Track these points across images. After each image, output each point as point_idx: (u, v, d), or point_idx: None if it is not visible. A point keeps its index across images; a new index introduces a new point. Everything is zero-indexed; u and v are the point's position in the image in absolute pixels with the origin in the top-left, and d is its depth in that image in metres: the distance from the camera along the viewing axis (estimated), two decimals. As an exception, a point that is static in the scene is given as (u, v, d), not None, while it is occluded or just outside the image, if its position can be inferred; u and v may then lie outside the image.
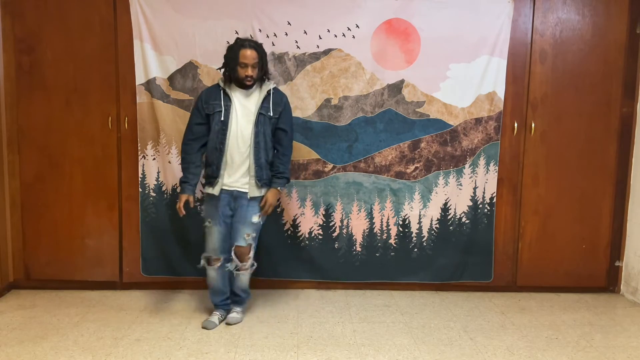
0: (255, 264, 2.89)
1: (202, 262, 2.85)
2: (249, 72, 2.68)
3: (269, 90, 2.79)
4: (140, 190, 3.30)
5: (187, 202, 2.76)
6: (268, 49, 3.16)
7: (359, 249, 3.40)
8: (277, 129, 2.83)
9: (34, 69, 3.20)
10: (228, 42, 3.15)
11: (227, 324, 2.89)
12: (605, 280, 3.50)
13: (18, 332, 2.77)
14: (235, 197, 2.79)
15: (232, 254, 2.80)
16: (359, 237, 3.39)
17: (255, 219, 2.79)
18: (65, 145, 3.26)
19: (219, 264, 2.82)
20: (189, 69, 3.20)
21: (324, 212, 3.36)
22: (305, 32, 3.18)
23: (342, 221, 3.37)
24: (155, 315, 3.01)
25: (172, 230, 3.33)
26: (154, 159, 3.29)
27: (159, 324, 2.89)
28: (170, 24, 3.15)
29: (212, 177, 2.76)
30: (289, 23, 3.18)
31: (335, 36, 3.20)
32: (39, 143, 3.26)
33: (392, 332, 2.84)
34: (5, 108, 3.22)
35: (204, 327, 2.84)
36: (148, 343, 2.66)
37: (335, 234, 3.38)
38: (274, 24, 3.18)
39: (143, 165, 3.29)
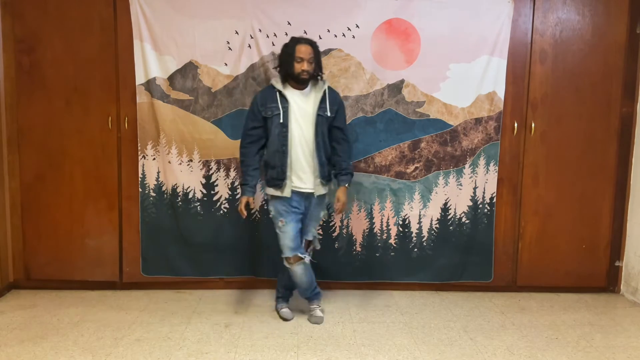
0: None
1: (285, 263, 2.84)
2: (305, 66, 2.68)
3: (325, 90, 2.79)
4: (140, 190, 3.30)
5: (247, 204, 2.80)
6: (268, 49, 3.18)
7: (359, 249, 3.40)
8: (332, 127, 2.83)
9: (34, 69, 3.20)
10: (228, 42, 3.18)
11: (285, 319, 2.99)
12: (605, 280, 3.50)
13: (18, 332, 2.77)
14: (307, 197, 2.83)
15: (303, 248, 2.89)
16: (359, 237, 3.39)
17: (323, 213, 2.93)
18: (65, 145, 3.26)
19: (300, 261, 2.81)
20: (189, 69, 3.20)
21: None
22: (305, 32, 3.18)
23: (342, 221, 3.37)
24: (155, 315, 3.01)
25: (172, 230, 3.33)
26: (154, 159, 3.29)
27: (159, 324, 2.89)
28: (170, 24, 3.15)
29: (279, 180, 2.76)
30: (289, 23, 3.18)
31: (335, 36, 3.20)
32: (39, 143, 3.26)
33: (392, 332, 2.84)
34: (5, 108, 3.22)
35: (314, 323, 2.93)
36: (148, 343, 2.66)
37: (335, 234, 3.38)
38: (274, 24, 3.18)
39: (143, 165, 3.29)
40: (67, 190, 3.30)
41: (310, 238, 2.92)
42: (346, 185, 2.85)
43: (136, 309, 3.10)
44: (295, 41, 2.73)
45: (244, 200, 2.78)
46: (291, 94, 2.76)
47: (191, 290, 3.40)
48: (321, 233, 3.37)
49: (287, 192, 2.76)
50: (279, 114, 2.72)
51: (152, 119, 3.24)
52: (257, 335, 2.77)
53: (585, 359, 2.58)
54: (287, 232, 2.79)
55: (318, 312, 2.98)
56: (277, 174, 2.76)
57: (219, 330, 2.83)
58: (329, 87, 2.84)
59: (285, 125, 2.73)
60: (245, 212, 2.79)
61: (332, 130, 2.84)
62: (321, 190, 2.82)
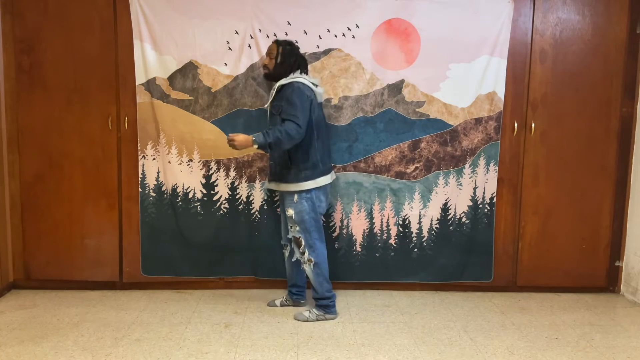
0: (313, 259, 2.91)
1: None
2: (265, 60, 2.90)
3: (277, 86, 2.83)
4: (140, 190, 3.30)
5: None
6: (268, 49, 3.18)
7: (359, 249, 3.40)
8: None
9: (34, 69, 3.20)
10: (228, 42, 3.18)
11: (295, 318, 3.00)
12: (605, 280, 3.50)
13: (18, 332, 2.77)
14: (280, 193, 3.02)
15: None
16: (359, 237, 3.39)
17: (289, 212, 2.89)
18: (65, 145, 3.26)
19: (286, 252, 3.07)
20: (189, 69, 3.20)
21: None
22: (305, 32, 3.18)
23: (342, 221, 3.37)
24: (155, 315, 3.01)
25: (172, 230, 3.33)
26: (154, 159, 3.29)
27: (159, 324, 2.89)
28: (170, 24, 3.15)
29: None
30: (289, 23, 3.18)
31: (335, 36, 3.20)
32: (39, 143, 3.26)
33: (392, 332, 2.84)
34: (5, 108, 3.22)
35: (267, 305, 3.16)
36: (148, 343, 2.66)
37: (335, 234, 3.38)
38: (274, 24, 3.18)
39: (143, 165, 3.29)
40: (67, 190, 3.30)
41: (289, 235, 2.96)
42: (252, 137, 2.67)
43: (136, 309, 3.10)
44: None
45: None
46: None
47: (191, 290, 3.40)
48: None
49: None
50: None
51: (152, 119, 3.24)
52: (257, 335, 2.77)
53: (585, 359, 2.58)
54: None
55: (301, 312, 3.05)
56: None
57: (219, 330, 2.83)
58: (285, 84, 2.81)
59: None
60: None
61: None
62: (272, 187, 2.97)
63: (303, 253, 2.91)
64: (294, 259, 3.00)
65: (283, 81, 2.83)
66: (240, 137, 2.69)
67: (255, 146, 2.69)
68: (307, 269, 2.93)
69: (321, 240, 2.95)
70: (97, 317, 2.97)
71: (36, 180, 3.29)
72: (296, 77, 2.84)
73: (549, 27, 3.27)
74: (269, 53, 2.88)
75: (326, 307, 2.98)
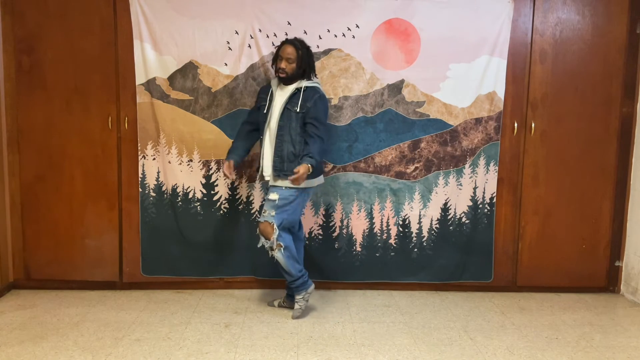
0: (282, 244, 2.82)
1: None
2: (282, 64, 2.84)
3: (300, 87, 2.86)
4: (140, 190, 3.30)
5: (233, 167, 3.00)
6: (268, 49, 3.18)
7: (359, 249, 3.40)
8: (305, 123, 2.85)
9: (34, 69, 3.20)
10: (228, 42, 3.18)
11: (293, 318, 3.00)
12: (605, 280, 3.50)
13: (18, 332, 2.77)
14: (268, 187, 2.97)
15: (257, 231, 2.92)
16: (359, 237, 3.39)
17: (273, 196, 2.84)
18: (65, 145, 3.26)
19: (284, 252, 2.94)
20: (189, 69, 3.20)
21: (324, 212, 3.36)
22: (305, 32, 3.18)
23: (342, 221, 3.37)
24: (155, 315, 3.01)
25: (172, 230, 3.33)
26: (154, 159, 3.29)
27: (159, 324, 2.89)
28: (170, 24, 3.15)
29: (259, 168, 3.02)
30: (289, 23, 3.18)
31: (335, 36, 3.20)
32: (39, 143, 3.26)
33: (392, 332, 2.84)
34: (5, 108, 3.22)
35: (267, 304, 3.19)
36: (148, 343, 2.66)
37: (335, 234, 3.38)
38: (274, 24, 3.18)
39: (143, 165, 3.29)
40: (67, 190, 3.30)
41: (260, 219, 2.87)
42: (307, 163, 2.75)
43: (136, 309, 3.10)
44: (283, 42, 2.90)
45: (224, 163, 2.98)
46: (277, 88, 2.94)
47: (191, 290, 3.40)
48: (321, 233, 3.37)
49: (259, 178, 3.03)
50: (265, 105, 2.94)
51: (152, 119, 3.24)
52: (257, 335, 2.77)
53: (585, 359, 2.58)
54: None
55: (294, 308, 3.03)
56: (258, 163, 3.01)
57: (219, 330, 2.83)
58: (310, 87, 2.87)
59: (265, 117, 2.92)
60: (228, 174, 2.96)
61: (305, 125, 2.86)
62: (276, 182, 2.87)
63: (269, 240, 2.84)
64: (259, 245, 2.88)
65: (308, 83, 2.89)
66: (301, 170, 2.72)
67: (311, 167, 2.77)
68: (278, 254, 2.84)
69: (287, 231, 2.93)
70: (97, 317, 2.97)
71: (36, 180, 3.29)
72: (317, 82, 2.95)
73: (549, 27, 3.27)
74: (287, 57, 2.83)
75: (303, 284, 2.95)
